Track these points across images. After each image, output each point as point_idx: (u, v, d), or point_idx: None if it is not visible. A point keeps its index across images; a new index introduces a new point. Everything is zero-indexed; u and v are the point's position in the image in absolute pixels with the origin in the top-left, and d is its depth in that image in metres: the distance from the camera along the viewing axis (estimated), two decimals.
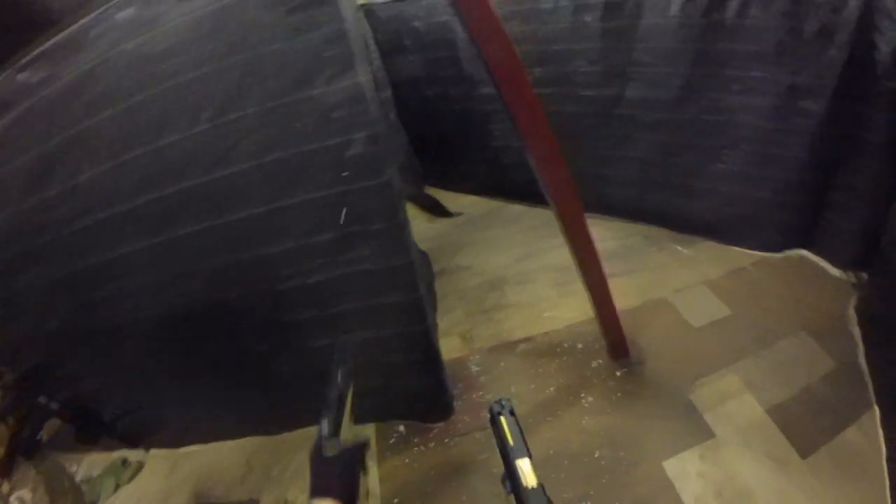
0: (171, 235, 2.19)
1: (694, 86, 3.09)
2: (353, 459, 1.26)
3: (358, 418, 2.86)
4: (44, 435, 3.10)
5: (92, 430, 3.03)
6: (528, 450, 1.14)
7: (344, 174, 2.03)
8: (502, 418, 1.22)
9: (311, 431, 1.27)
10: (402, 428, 2.82)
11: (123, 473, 2.91)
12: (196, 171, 2.07)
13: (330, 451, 1.23)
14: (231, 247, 2.22)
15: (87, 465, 3.01)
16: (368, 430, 2.85)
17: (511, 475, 1.09)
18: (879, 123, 2.61)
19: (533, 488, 1.03)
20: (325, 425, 1.27)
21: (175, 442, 2.99)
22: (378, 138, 2.02)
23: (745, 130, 3.05)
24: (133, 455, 3.02)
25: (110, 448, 3.06)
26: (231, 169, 2.06)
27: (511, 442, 1.15)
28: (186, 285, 2.33)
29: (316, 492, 1.18)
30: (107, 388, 2.86)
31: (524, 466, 1.09)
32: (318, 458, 1.24)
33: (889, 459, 2.22)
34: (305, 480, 1.19)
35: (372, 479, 2.64)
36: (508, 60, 1.80)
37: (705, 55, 3.01)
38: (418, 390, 2.72)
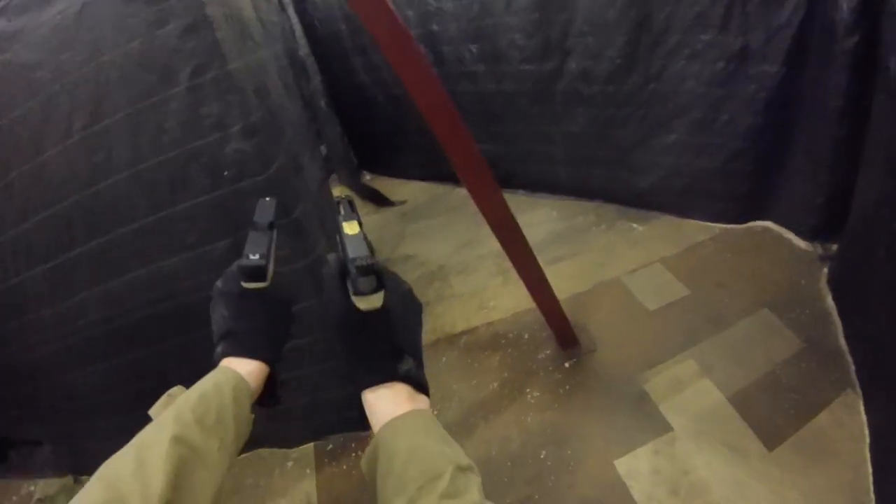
0: (65, 258, 1.96)
1: (637, 55, 2.80)
2: (287, 303, 0.92)
3: (292, 443, 2.70)
4: None
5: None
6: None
7: (225, 173, 1.79)
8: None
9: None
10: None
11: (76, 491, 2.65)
12: (76, 185, 1.84)
13: (252, 278, 0.86)
14: (126, 264, 1.98)
15: (43, 486, 2.76)
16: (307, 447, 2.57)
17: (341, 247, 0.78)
18: (838, 86, 2.31)
19: (354, 234, 0.78)
20: (250, 241, 0.88)
21: None
22: (256, 129, 1.79)
23: (692, 98, 2.76)
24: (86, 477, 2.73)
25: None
26: (110, 180, 1.82)
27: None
28: (89, 310, 2.08)
29: (228, 341, 0.84)
30: (29, 421, 2.60)
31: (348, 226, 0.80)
32: (233, 292, 0.87)
33: (874, 448, 1.92)
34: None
35: (309, 489, 2.39)
36: (388, 24, 1.52)
37: (648, 21, 2.72)
38: (348, 399, 2.41)
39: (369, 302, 0.72)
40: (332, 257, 0.76)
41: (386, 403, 0.72)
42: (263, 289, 0.86)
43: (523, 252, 2.18)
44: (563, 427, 2.28)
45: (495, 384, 2.51)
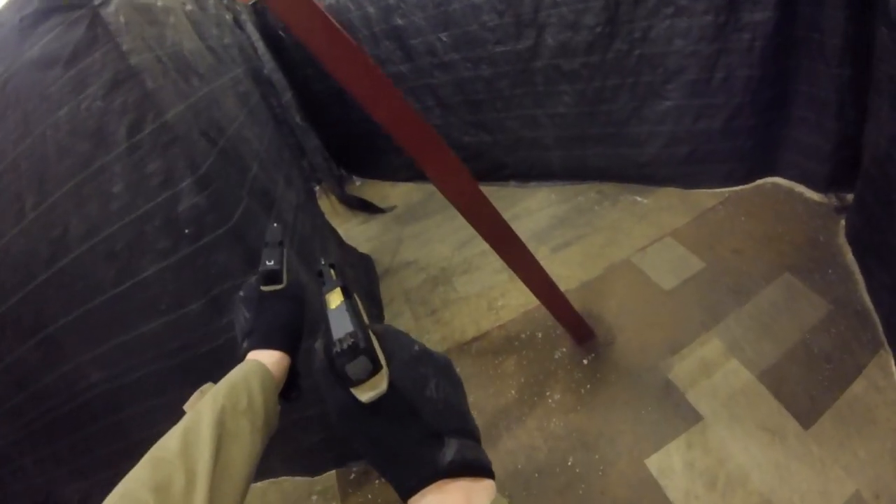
0: (50, 330, 1.98)
1: (618, 18, 2.72)
2: (301, 303, 1.05)
3: (315, 470, 2.73)
4: None
5: None
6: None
7: (186, 231, 1.75)
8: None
9: None
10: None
11: None
12: (41, 264, 1.84)
13: (271, 282, 1.01)
14: (109, 331, 1.98)
15: None
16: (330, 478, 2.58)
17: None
18: (835, 24, 2.26)
19: (336, 307, 0.68)
20: (265, 254, 1.04)
21: None
22: (209, 179, 1.74)
23: (683, 58, 2.69)
24: None
25: None
26: (71, 255, 1.81)
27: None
28: (88, 373, 2.11)
29: (252, 338, 0.96)
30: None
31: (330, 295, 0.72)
32: (253, 296, 1.01)
33: None
34: None
35: None
36: (313, 19, 1.46)
37: None
38: None
39: (371, 389, 0.59)
40: (318, 345, 0.65)
41: None
42: (279, 290, 1.01)
43: (518, 254, 2.13)
44: (588, 429, 2.26)
45: (513, 391, 2.50)
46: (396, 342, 0.64)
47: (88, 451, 2.43)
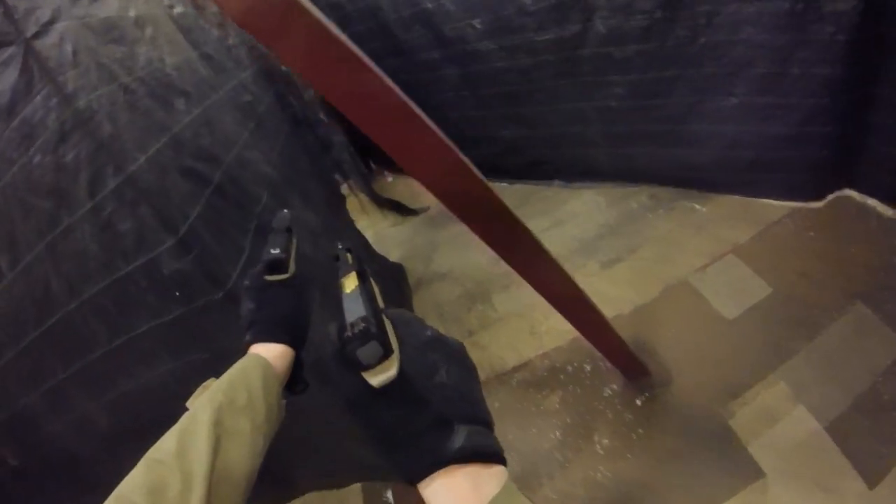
0: (54, 382, 1.94)
1: (677, 2, 2.47)
2: (308, 293, 1.07)
3: (341, 483, 2.76)
4: None
5: None
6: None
7: (177, 294, 1.67)
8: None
9: None
10: (389, 495, 2.54)
11: None
12: (30, 323, 1.78)
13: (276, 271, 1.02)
14: (114, 382, 1.95)
15: None
16: (355, 497, 2.58)
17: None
18: None
19: (351, 291, 0.72)
20: (270, 241, 1.05)
21: None
22: (193, 237, 1.61)
23: (752, 50, 2.45)
24: None
25: None
26: (58, 313, 1.74)
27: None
28: (97, 419, 2.08)
29: (254, 329, 0.97)
30: None
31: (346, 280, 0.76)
32: (257, 286, 1.02)
33: None
34: None
35: None
36: None
37: None
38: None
39: (381, 374, 0.62)
40: (332, 329, 0.66)
41: (444, 501, 0.62)
42: (285, 280, 1.02)
43: (550, 272, 1.88)
44: (636, 482, 2.20)
45: (558, 432, 2.43)
46: (408, 327, 0.67)
47: (107, 473, 2.48)
